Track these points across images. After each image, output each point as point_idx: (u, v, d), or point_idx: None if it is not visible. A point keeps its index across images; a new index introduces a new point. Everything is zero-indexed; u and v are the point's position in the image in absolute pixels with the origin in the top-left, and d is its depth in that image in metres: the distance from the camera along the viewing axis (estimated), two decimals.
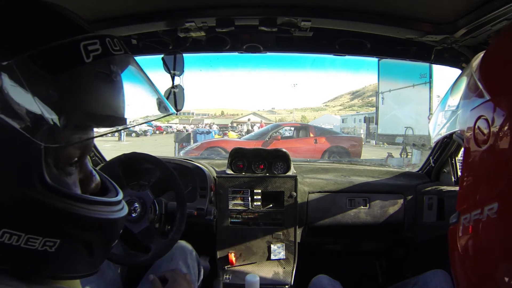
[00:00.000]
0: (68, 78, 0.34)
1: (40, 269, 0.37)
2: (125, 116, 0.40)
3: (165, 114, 0.44)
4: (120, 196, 0.45)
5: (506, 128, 0.40)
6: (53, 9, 0.37)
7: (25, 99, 0.31)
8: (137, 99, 0.44)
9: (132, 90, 0.42)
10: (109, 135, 0.46)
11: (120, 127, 0.41)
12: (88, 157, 0.44)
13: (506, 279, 0.39)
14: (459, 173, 1.42)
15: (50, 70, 0.33)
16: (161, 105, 0.44)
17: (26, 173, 0.33)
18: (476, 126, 0.44)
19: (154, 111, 0.43)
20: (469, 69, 0.53)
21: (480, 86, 0.45)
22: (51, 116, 0.33)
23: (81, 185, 0.41)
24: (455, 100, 0.59)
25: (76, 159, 0.39)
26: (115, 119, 0.40)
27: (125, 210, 0.44)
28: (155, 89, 0.44)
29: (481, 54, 0.52)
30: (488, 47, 0.70)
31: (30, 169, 0.33)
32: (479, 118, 0.44)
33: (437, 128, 0.68)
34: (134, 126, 0.43)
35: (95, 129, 0.40)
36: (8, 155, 0.32)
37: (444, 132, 0.62)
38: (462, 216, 0.46)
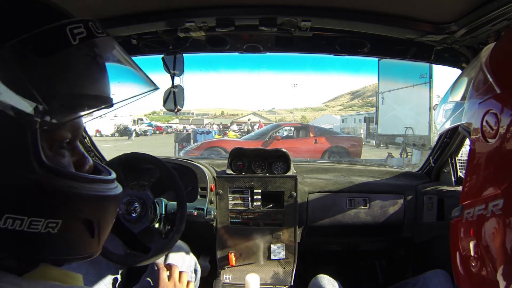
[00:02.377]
0: (57, 61, 0.36)
1: (45, 253, 0.38)
2: (112, 95, 0.43)
3: (150, 90, 0.45)
4: (113, 175, 0.47)
5: None
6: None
7: (17, 84, 0.33)
8: (122, 78, 0.46)
9: (117, 70, 0.44)
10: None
11: (107, 109, 0.43)
12: (80, 145, 0.46)
13: (508, 279, 0.38)
14: (459, 173, 1.42)
15: (40, 54, 0.34)
16: (145, 82, 0.46)
17: (24, 156, 0.34)
18: (484, 120, 0.43)
19: (139, 88, 0.45)
20: (477, 61, 0.52)
21: (490, 79, 0.44)
22: (43, 98, 0.34)
23: (75, 168, 0.43)
24: (461, 92, 0.58)
25: (67, 140, 0.41)
26: (103, 99, 0.42)
27: (120, 188, 0.46)
28: (138, 68, 0.46)
29: (491, 46, 0.50)
30: (499, 39, 0.68)
31: (27, 152, 0.34)
32: (487, 112, 0.42)
33: (442, 120, 0.67)
34: (122, 105, 0.45)
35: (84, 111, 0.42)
36: (4, 139, 0.33)
37: (449, 125, 0.61)
38: (466, 210, 0.45)
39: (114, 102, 0.43)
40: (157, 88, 0.46)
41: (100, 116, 0.45)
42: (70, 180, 0.38)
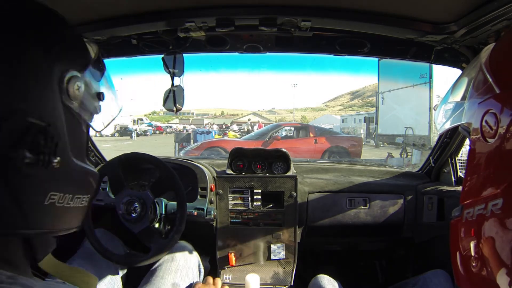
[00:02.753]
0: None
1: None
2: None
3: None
4: None
5: None
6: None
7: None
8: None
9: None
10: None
11: None
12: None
13: (508, 279, 0.38)
14: (459, 173, 1.42)
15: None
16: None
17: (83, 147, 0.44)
18: (484, 120, 0.43)
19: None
20: (477, 61, 0.52)
21: (490, 80, 0.44)
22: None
23: None
24: (461, 92, 0.58)
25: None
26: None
27: None
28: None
29: (491, 47, 0.50)
30: (499, 39, 0.68)
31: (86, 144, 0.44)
32: (487, 112, 0.42)
33: (442, 120, 0.67)
34: None
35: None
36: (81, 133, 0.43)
37: (449, 125, 0.60)
38: (466, 210, 0.45)
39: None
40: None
41: None
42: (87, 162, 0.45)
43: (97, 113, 0.46)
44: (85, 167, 0.42)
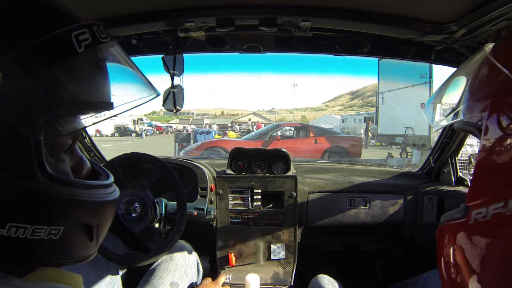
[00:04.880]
0: (62, 69, 0.35)
1: (45, 257, 0.38)
2: (115, 102, 0.42)
3: (152, 97, 0.45)
4: (111, 179, 0.46)
5: None
6: (40, 0, 0.37)
7: (21, 93, 0.32)
8: (125, 84, 0.45)
9: (120, 76, 0.44)
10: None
11: (110, 114, 0.42)
12: (80, 145, 0.46)
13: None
14: (459, 173, 1.42)
15: (44, 63, 0.33)
16: (148, 89, 0.45)
17: (27, 165, 0.34)
18: (503, 112, 0.38)
19: (141, 94, 0.44)
20: (478, 56, 0.48)
21: (506, 71, 0.41)
22: (47, 107, 0.33)
23: (74, 172, 0.43)
24: (458, 89, 0.56)
25: (68, 145, 0.41)
26: (106, 104, 0.41)
27: (117, 192, 0.46)
28: (141, 74, 0.45)
29: (489, 45, 0.46)
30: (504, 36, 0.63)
31: (31, 161, 0.34)
32: (505, 103, 0.38)
33: (437, 117, 0.64)
34: (125, 111, 0.44)
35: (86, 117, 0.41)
36: (8, 149, 0.33)
37: (446, 122, 0.55)
38: (475, 210, 0.40)
39: (115, 106, 0.42)
40: (158, 94, 0.45)
41: (101, 121, 0.45)
42: (72, 187, 0.38)
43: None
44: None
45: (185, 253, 1.16)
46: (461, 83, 0.56)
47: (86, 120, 0.41)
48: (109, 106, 0.41)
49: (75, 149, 0.44)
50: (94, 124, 0.42)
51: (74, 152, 0.43)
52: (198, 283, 1.15)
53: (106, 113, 0.42)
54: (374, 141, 12.97)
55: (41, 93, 0.33)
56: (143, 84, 0.45)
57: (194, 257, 1.19)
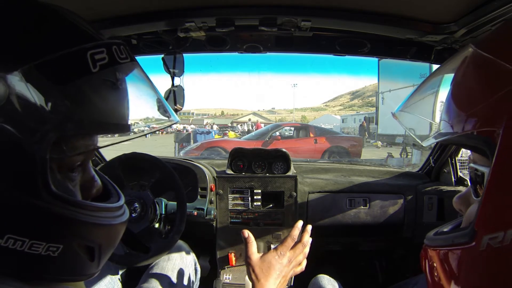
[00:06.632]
0: (74, 88, 0.34)
1: (43, 272, 0.37)
2: (131, 123, 0.40)
3: (171, 123, 0.44)
4: (122, 200, 0.45)
5: None
6: (59, 15, 0.36)
7: (31, 109, 0.31)
8: (142, 107, 0.44)
9: (137, 98, 0.42)
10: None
11: (125, 137, 0.41)
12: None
13: None
14: (459, 173, 1.42)
15: (56, 80, 0.32)
16: (165, 112, 0.44)
17: (32, 182, 0.33)
18: None
19: (159, 118, 0.43)
20: (462, 55, 0.41)
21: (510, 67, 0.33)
22: (56, 126, 0.33)
23: (83, 190, 0.41)
24: (435, 100, 0.51)
25: (79, 163, 0.39)
26: (120, 127, 0.40)
27: (126, 215, 0.45)
28: (159, 96, 0.44)
29: (469, 49, 0.40)
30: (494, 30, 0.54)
31: (35, 178, 0.33)
32: None
33: (424, 129, 0.55)
34: (141, 135, 0.43)
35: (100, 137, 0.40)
36: (14, 164, 0.32)
37: (443, 136, 0.43)
38: (488, 235, 0.34)
39: (132, 130, 0.40)
40: (177, 122, 0.44)
41: (116, 143, 0.42)
42: (76, 207, 0.37)
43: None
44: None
45: (183, 253, 1.16)
46: (437, 92, 0.51)
47: (99, 140, 0.40)
48: (124, 128, 0.40)
49: (88, 167, 0.42)
50: (108, 146, 0.41)
51: (86, 169, 0.42)
52: (196, 283, 1.15)
53: (122, 135, 0.40)
54: (372, 141, 12.98)
55: (50, 111, 0.32)
56: (161, 108, 0.43)
57: (191, 257, 1.19)
